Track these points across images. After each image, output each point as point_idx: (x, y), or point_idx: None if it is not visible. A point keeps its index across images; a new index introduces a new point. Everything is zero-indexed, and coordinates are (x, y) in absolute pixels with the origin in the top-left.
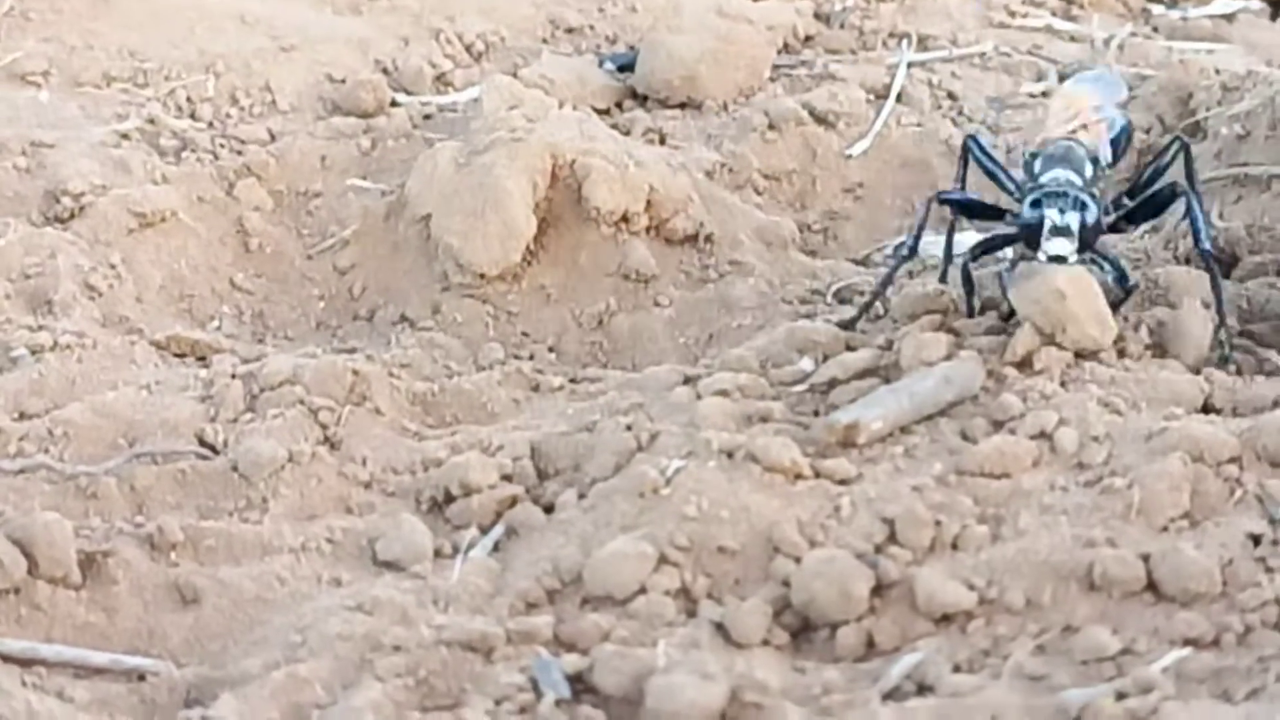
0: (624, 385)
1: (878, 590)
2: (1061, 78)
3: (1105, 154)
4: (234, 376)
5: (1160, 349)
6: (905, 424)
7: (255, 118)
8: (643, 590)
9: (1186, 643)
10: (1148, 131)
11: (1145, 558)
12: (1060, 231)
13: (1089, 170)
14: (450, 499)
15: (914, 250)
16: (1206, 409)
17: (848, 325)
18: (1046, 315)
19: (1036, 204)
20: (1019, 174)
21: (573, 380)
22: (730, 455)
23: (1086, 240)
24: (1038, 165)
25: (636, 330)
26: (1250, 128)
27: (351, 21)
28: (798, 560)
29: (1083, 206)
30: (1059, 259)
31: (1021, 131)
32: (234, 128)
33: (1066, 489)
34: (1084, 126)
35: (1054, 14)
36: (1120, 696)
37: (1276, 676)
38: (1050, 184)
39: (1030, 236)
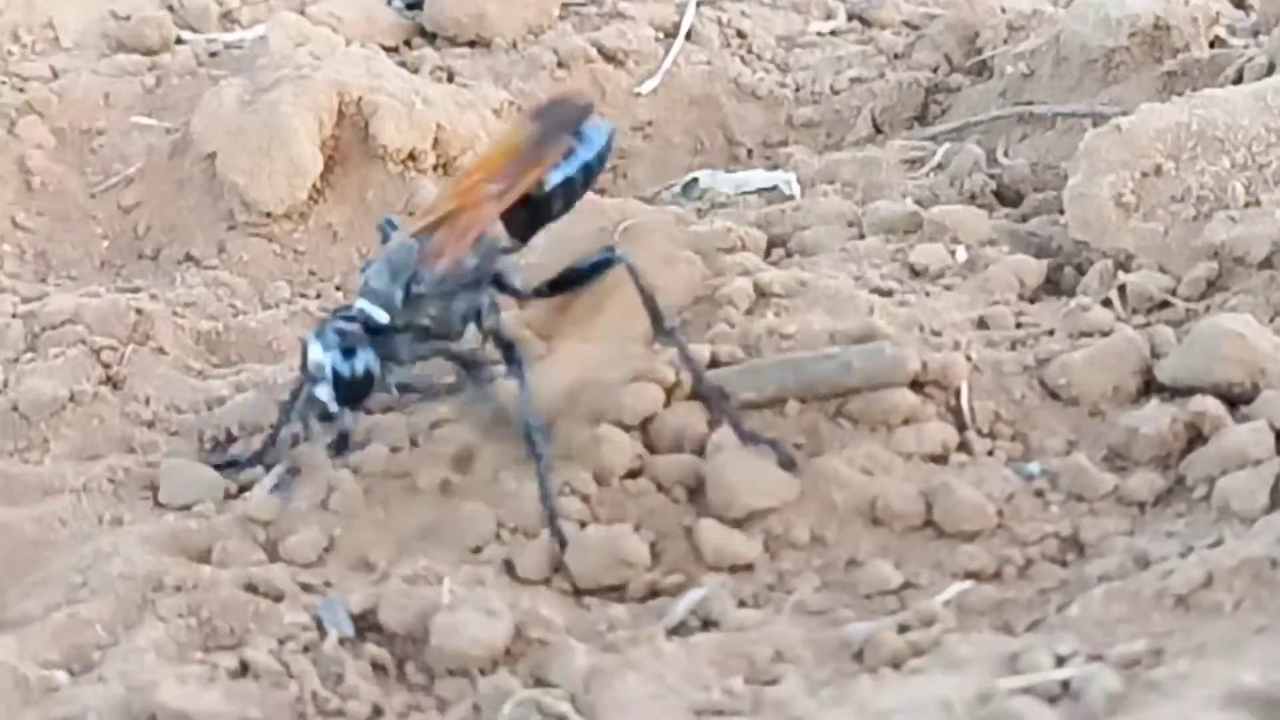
0: None
1: None
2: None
3: None
4: (15, 316)
5: None
6: None
7: (38, 55)
8: None
9: (968, 575)
10: (935, 70)
11: (925, 494)
12: None
13: None
14: (232, 439)
15: None
16: None
17: None
18: None
19: None
20: None
21: None
22: None
23: None
24: None
25: None
26: (1035, 66)
27: None
28: None
29: None
30: None
31: (810, 70)
32: (15, 65)
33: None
34: None
35: None
36: (903, 629)
37: (1056, 608)
38: None
39: None
